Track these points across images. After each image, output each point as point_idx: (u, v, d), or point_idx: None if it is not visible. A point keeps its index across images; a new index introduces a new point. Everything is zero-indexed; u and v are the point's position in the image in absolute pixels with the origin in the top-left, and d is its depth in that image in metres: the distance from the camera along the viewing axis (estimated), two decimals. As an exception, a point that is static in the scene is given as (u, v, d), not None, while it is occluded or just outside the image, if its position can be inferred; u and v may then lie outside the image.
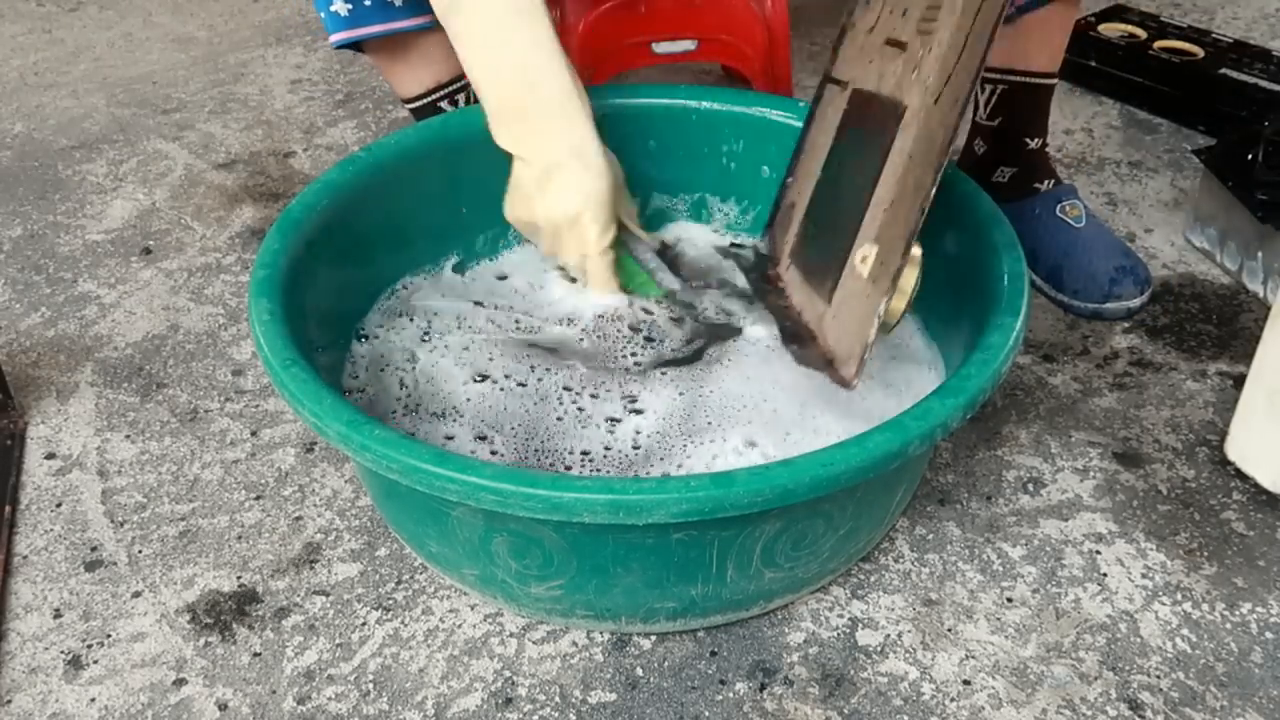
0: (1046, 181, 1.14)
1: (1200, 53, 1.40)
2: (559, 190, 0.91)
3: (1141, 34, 1.45)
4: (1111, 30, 1.47)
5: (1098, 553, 0.87)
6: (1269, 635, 0.81)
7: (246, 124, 1.49)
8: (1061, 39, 1.07)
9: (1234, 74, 1.35)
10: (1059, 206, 1.12)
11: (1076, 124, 1.42)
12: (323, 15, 1.04)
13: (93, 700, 0.79)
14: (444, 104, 1.11)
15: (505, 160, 1.03)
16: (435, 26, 1.07)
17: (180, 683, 0.80)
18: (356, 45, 1.08)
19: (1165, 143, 1.37)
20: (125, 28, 1.79)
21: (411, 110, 1.12)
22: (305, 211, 0.89)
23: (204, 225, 1.29)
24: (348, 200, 0.93)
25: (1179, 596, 0.84)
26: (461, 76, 1.12)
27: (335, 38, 1.05)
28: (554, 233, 0.93)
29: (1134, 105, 1.44)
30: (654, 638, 0.81)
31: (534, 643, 0.81)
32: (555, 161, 0.90)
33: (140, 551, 0.90)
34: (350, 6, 1.03)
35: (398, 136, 0.99)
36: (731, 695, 0.78)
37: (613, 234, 0.93)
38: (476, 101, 1.13)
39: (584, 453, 0.83)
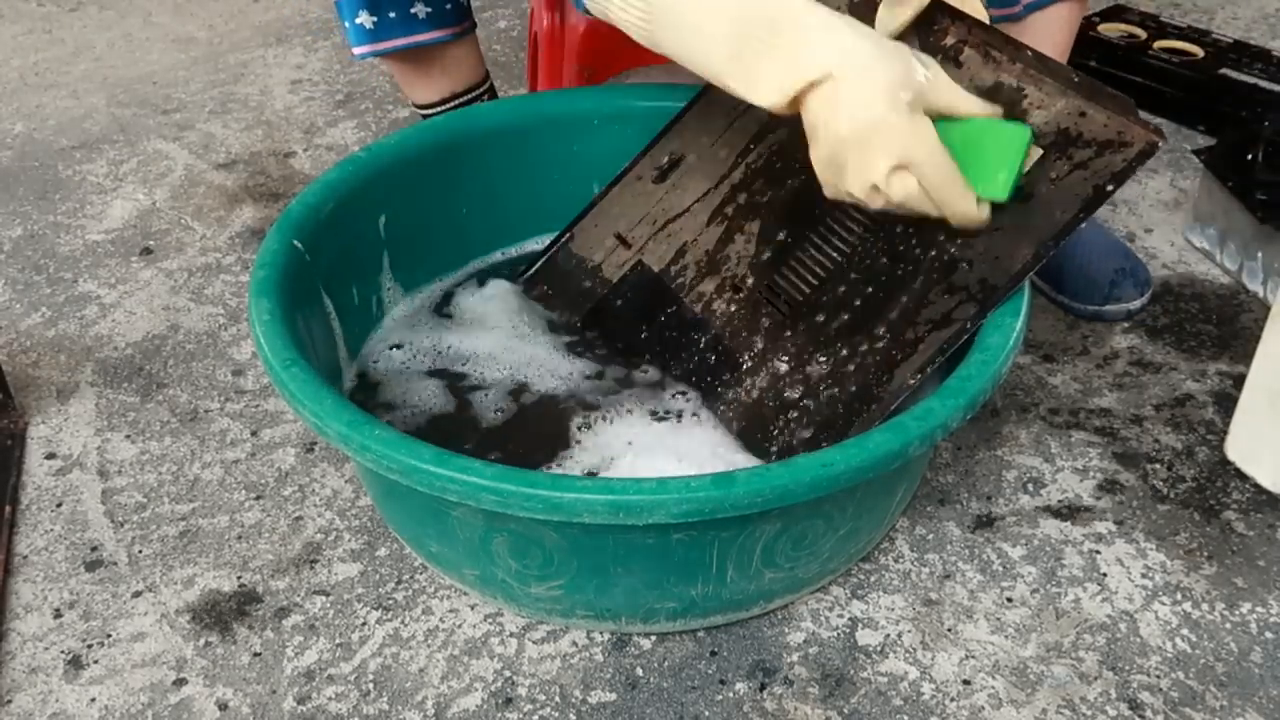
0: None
1: (1200, 53, 1.40)
2: (839, 106, 0.69)
3: (1141, 34, 1.45)
4: (1111, 30, 1.47)
5: (1098, 553, 0.87)
6: (1269, 635, 0.81)
7: (246, 124, 1.49)
8: (1068, 37, 1.07)
9: (1234, 74, 1.35)
10: (1059, 206, 1.12)
11: (1076, 124, 1.41)
12: (347, 26, 1.04)
13: (93, 700, 0.79)
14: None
15: (507, 160, 1.03)
16: (457, 39, 1.07)
17: (180, 683, 0.80)
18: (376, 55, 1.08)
19: (1165, 143, 1.37)
20: (125, 28, 1.79)
21: (424, 117, 1.12)
22: (304, 212, 0.89)
23: (204, 225, 1.29)
24: (348, 200, 0.93)
25: (1179, 596, 0.84)
26: (478, 85, 1.13)
27: (359, 50, 1.05)
28: (864, 162, 0.69)
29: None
30: (654, 638, 0.81)
31: (534, 643, 0.81)
32: (812, 78, 0.69)
33: (140, 551, 0.90)
34: (375, 19, 1.03)
35: (398, 136, 0.99)
36: (731, 695, 0.78)
37: (934, 132, 0.70)
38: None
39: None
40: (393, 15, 1.03)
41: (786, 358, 0.87)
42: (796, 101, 0.70)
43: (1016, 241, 0.78)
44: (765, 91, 0.70)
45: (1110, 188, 0.75)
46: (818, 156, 0.72)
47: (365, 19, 1.02)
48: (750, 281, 0.91)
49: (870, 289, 0.85)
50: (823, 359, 0.85)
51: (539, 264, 1.02)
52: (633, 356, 0.94)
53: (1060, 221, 0.76)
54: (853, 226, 0.87)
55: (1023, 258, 0.77)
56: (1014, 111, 0.78)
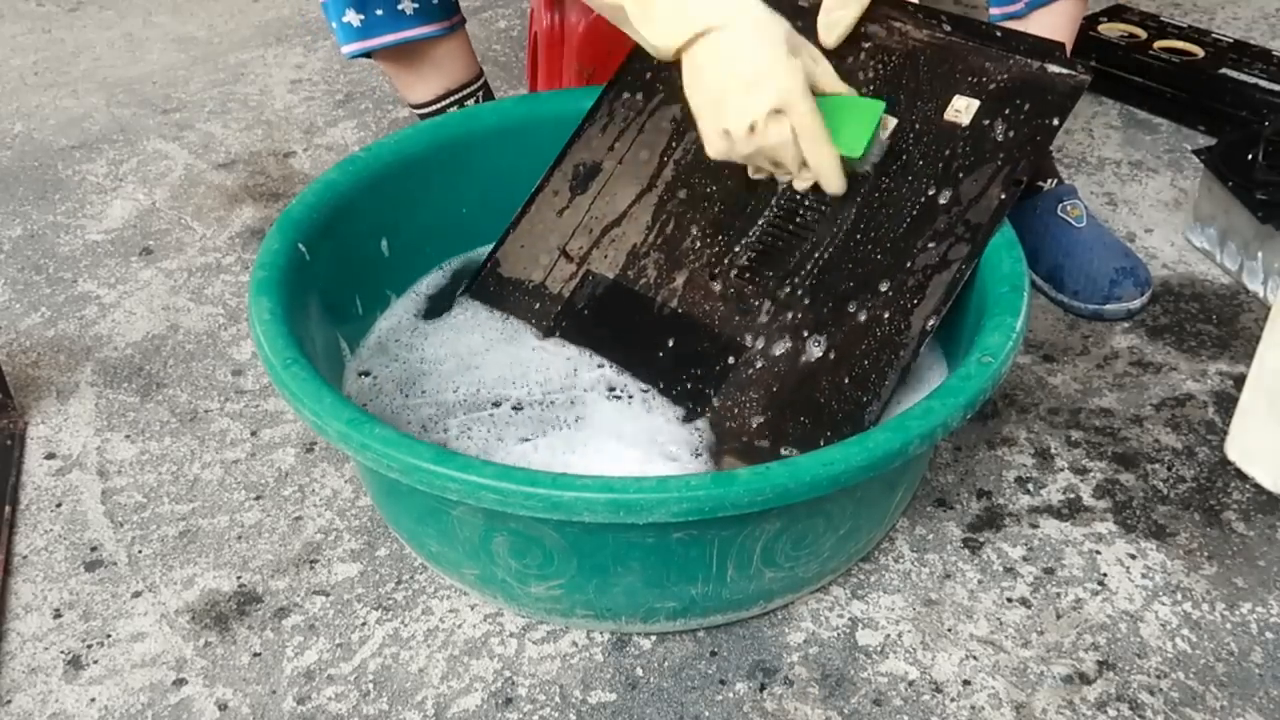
0: (1049, 181, 1.14)
1: (1200, 53, 1.40)
2: (731, 51, 0.76)
3: (1141, 34, 1.45)
4: (1111, 30, 1.47)
5: (1098, 553, 0.87)
6: (1269, 635, 0.81)
7: (246, 124, 1.49)
8: (1070, 33, 1.07)
9: (1234, 74, 1.35)
10: (1060, 206, 1.12)
11: (1076, 124, 1.42)
12: (334, 25, 1.04)
13: (93, 700, 0.79)
14: (453, 109, 1.11)
15: (507, 160, 1.03)
16: (447, 34, 1.07)
17: (180, 683, 0.80)
18: (366, 51, 1.08)
19: (1165, 143, 1.37)
20: (125, 28, 1.79)
21: (421, 117, 1.12)
22: (304, 212, 0.89)
23: (204, 225, 1.29)
24: (348, 200, 0.93)
25: (1179, 596, 0.84)
26: (471, 81, 1.13)
27: (348, 48, 1.05)
28: (742, 105, 0.76)
29: (1134, 105, 1.44)
30: (654, 638, 0.81)
31: (534, 643, 0.81)
32: (699, 28, 0.76)
33: (140, 551, 0.90)
34: (362, 17, 1.03)
35: (398, 136, 0.99)
36: (731, 695, 0.78)
37: (805, 80, 0.77)
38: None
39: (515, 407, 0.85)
40: (379, 12, 1.03)
41: (794, 325, 0.86)
42: (682, 49, 0.78)
43: (986, 185, 0.84)
44: (658, 36, 0.78)
45: (1055, 122, 0.84)
46: (701, 98, 0.78)
47: (352, 17, 1.03)
48: (727, 261, 0.90)
49: (855, 247, 0.86)
50: (832, 323, 0.84)
51: (467, 290, 1.00)
52: (614, 362, 0.93)
53: (1019, 161, 0.84)
54: (814, 193, 0.88)
55: (996, 196, 0.83)
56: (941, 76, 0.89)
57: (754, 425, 0.84)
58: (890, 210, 0.86)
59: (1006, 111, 0.86)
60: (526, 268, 0.98)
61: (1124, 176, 1.32)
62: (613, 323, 0.93)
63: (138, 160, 1.42)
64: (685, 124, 0.95)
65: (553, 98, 1.12)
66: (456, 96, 1.12)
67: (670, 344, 0.90)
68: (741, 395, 0.86)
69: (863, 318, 0.84)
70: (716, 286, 0.90)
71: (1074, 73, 0.85)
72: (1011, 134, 0.85)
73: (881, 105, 0.84)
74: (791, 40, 0.79)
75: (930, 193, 0.85)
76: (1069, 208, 1.12)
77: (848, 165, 0.83)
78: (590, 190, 0.98)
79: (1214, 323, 1.10)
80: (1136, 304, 1.09)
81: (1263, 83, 1.33)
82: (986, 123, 0.86)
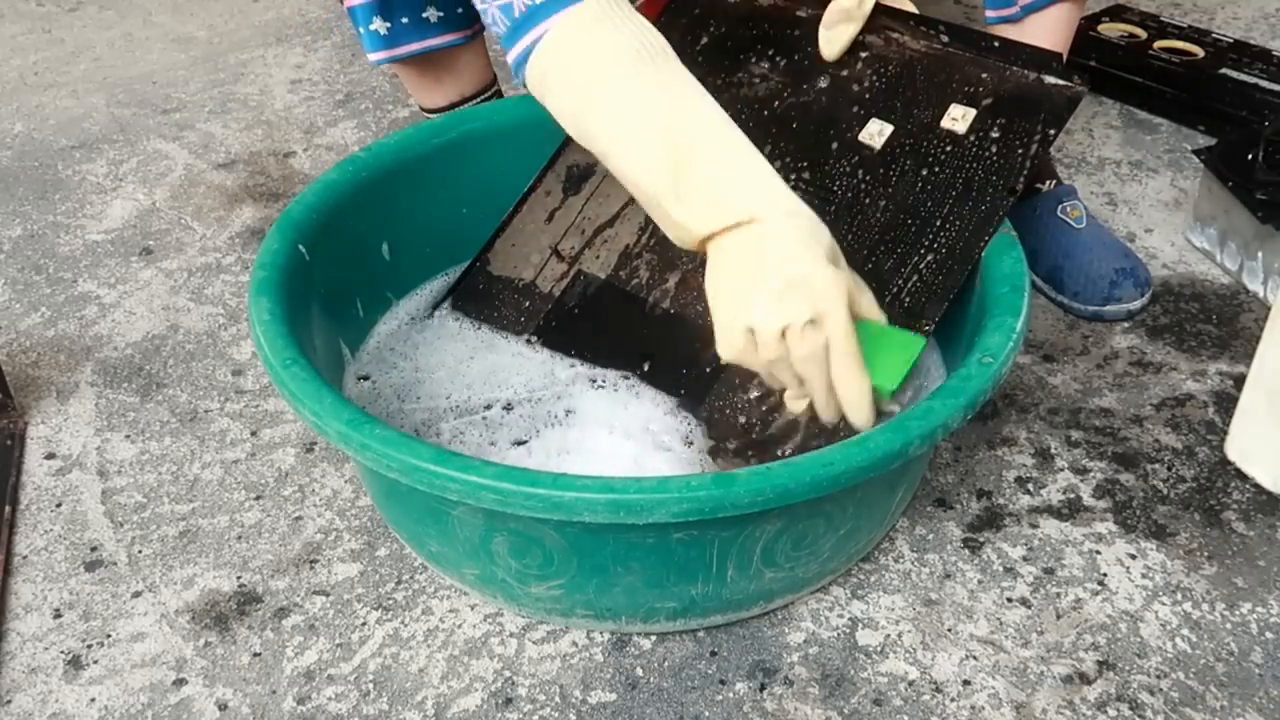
0: (1048, 182, 1.14)
1: (1200, 53, 1.40)
2: (766, 247, 0.67)
3: (1141, 34, 1.45)
4: (1111, 30, 1.47)
5: (1098, 553, 0.87)
6: (1269, 635, 0.81)
7: (246, 124, 1.49)
8: (1066, 37, 1.07)
9: (1234, 74, 1.35)
10: (1060, 207, 1.12)
11: (1076, 124, 1.42)
12: (361, 32, 1.05)
13: (93, 700, 0.79)
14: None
15: (507, 160, 1.03)
16: (468, 41, 1.08)
17: (180, 683, 0.80)
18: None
19: (1165, 143, 1.37)
20: (125, 28, 1.79)
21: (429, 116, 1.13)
22: (304, 212, 0.89)
23: (204, 225, 1.29)
24: (348, 200, 0.93)
25: (1179, 596, 0.84)
26: (486, 88, 1.14)
27: (374, 57, 1.06)
28: (778, 305, 0.67)
29: (1134, 105, 1.44)
30: (654, 638, 0.81)
31: (534, 643, 0.81)
32: (739, 217, 0.68)
33: (140, 551, 0.90)
34: (389, 25, 1.03)
35: (398, 136, 0.99)
36: (731, 695, 0.78)
37: (851, 325, 0.69)
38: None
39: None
40: (405, 20, 1.03)
41: None
42: (712, 238, 0.69)
43: (981, 193, 0.85)
44: (691, 218, 0.69)
45: (1052, 132, 0.85)
46: (728, 292, 0.69)
47: (379, 25, 1.03)
48: None
49: (850, 253, 0.80)
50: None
51: (455, 291, 1.00)
52: (606, 363, 0.92)
53: (1015, 170, 0.85)
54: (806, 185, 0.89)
55: (992, 205, 0.85)
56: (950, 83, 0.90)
57: (744, 424, 0.84)
58: (885, 217, 0.86)
59: (1003, 121, 0.87)
60: (517, 266, 0.98)
61: (1124, 176, 1.32)
62: (603, 323, 0.93)
63: (138, 160, 1.42)
64: None
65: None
66: (471, 104, 1.12)
67: (662, 344, 0.90)
68: (734, 396, 0.86)
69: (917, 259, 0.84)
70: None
71: (1070, 84, 0.86)
72: (1008, 143, 0.86)
73: (923, 343, 0.75)
74: (833, 251, 0.70)
75: (926, 201, 0.86)
76: (1069, 208, 1.12)
77: (876, 400, 0.73)
78: (583, 191, 0.98)
79: (1214, 323, 1.10)
80: (1136, 304, 1.09)
81: (1263, 83, 1.33)
82: (982, 132, 0.87)
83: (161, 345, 1.11)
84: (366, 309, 0.97)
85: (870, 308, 0.73)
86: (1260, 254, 1.10)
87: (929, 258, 0.84)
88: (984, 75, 0.88)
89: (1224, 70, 1.36)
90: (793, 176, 0.90)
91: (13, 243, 1.27)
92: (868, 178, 0.88)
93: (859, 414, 0.71)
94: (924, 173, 0.87)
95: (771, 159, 0.82)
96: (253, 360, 1.08)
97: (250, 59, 1.67)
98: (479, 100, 1.13)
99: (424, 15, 1.04)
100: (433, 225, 1.01)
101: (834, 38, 0.91)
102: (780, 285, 0.67)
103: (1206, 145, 1.20)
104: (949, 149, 0.87)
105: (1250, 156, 1.11)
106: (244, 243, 1.26)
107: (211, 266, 1.22)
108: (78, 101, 1.57)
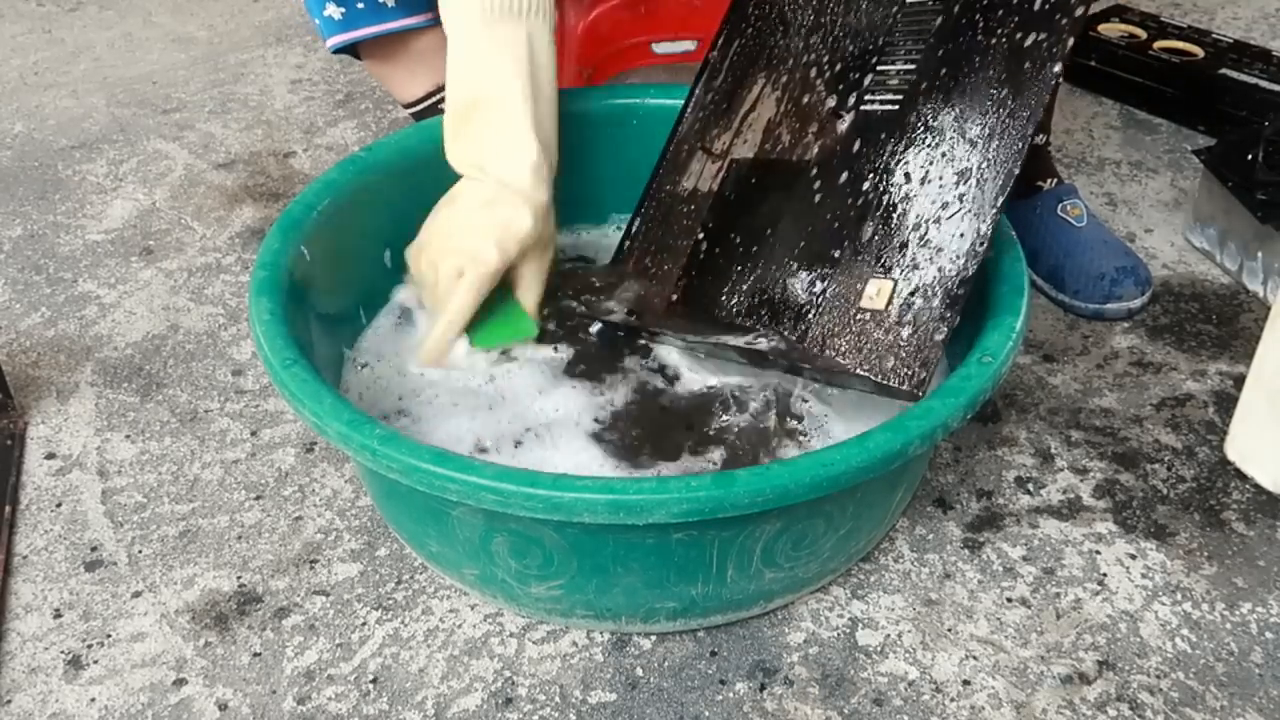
0: (1049, 180, 1.14)
1: (1200, 53, 1.40)
2: (458, 197, 0.85)
3: (1141, 34, 1.45)
4: (1111, 30, 1.47)
5: (1098, 553, 0.87)
6: (1269, 635, 0.81)
7: (246, 124, 1.49)
8: None
9: (1234, 74, 1.35)
10: (1060, 206, 1.12)
11: (1076, 124, 1.42)
12: (317, 21, 1.04)
13: (93, 700, 0.79)
14: (445, 106, 1.11)
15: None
16: (430, 26, 1.07)
17: (180, 683, 0.80)
18: (352, 52, 1.08)
19: (1165, 143, 1.37)
20: (125, 28, 1.79)
21: (413, 115, 1.12)
22: (305, 211, 0.89)
23: (204, 225, 1.29)
24: (348, 200, 0.93)
25: (1179, 596, 0.84)
26: None
27: (331, 41, 1.05)
28: (438, 249, 0.86)
29: (1134, 105, 1.44)
30: (654, 638, 0.81)
31: (534, 643, 0.81)
32: (474, 172, 0.85)
33: (140, 551, 0.90)
34: (343, 10, 1.03)
35: (398, 136, 0.99)
36: (731, 695, 0.78)
37: (502, 269, 0.84)
38: None
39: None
40: (360, 5, 1.03)
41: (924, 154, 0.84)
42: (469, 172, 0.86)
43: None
44: (451, 158, 0.87)
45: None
46: (444, 212, 0.87)
47: (333, 10, 1.03)
48: (851, 101, 0.89)
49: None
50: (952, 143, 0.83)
51: (634, 226, 1.01)
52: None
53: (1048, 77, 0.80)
54: (913, 44, 0.87)
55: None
56: None
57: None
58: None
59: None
60: (679, 176, 0.99)
61: (1124, 176, 1.32)
62: (756, 204, 0.93)
63: (138, 160, 1.42)
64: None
65: (553, 98, 1.12)
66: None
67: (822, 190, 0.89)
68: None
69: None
70: (843, 125, 0.89)
71: None
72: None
73: (531, 333, 0.89)
74: (509, 228, 0.84)
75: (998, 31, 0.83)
76: (1069, 207, 1.12)
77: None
78: (722, 87, 0.99)
79: (1214, 323, 1.10)
80: (1137, 304, 1.09)
81: (1263, 83, 1.33)
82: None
83: (161, 345, 1.11)
84: (367, 309, 0.97)
85: (526, 289, 0.88)
86: (1260, 254, 1.10)
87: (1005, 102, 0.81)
88: None
89: (1224, 70, 1.36)
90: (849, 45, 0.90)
91: (13, 243, 1.27)
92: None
93: (430, 343, 0.87)
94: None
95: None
96: (253, 360, 1.08)
97: (250, 59, 1.67)
98: None
99: (380, 0, 1.03)
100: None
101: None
102: (441, 241, 0.86)
103: (1206, 145, 1.20)
104: None
105: (1250, 156, 1.11)
106: (244, 243, 1.26)
107: (211, 266, 1.22)
108: (78, 101, 1.57)
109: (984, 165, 0.80)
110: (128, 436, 1.00)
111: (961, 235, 0.79)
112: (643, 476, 0.68)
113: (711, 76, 1.00)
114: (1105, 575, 0.85)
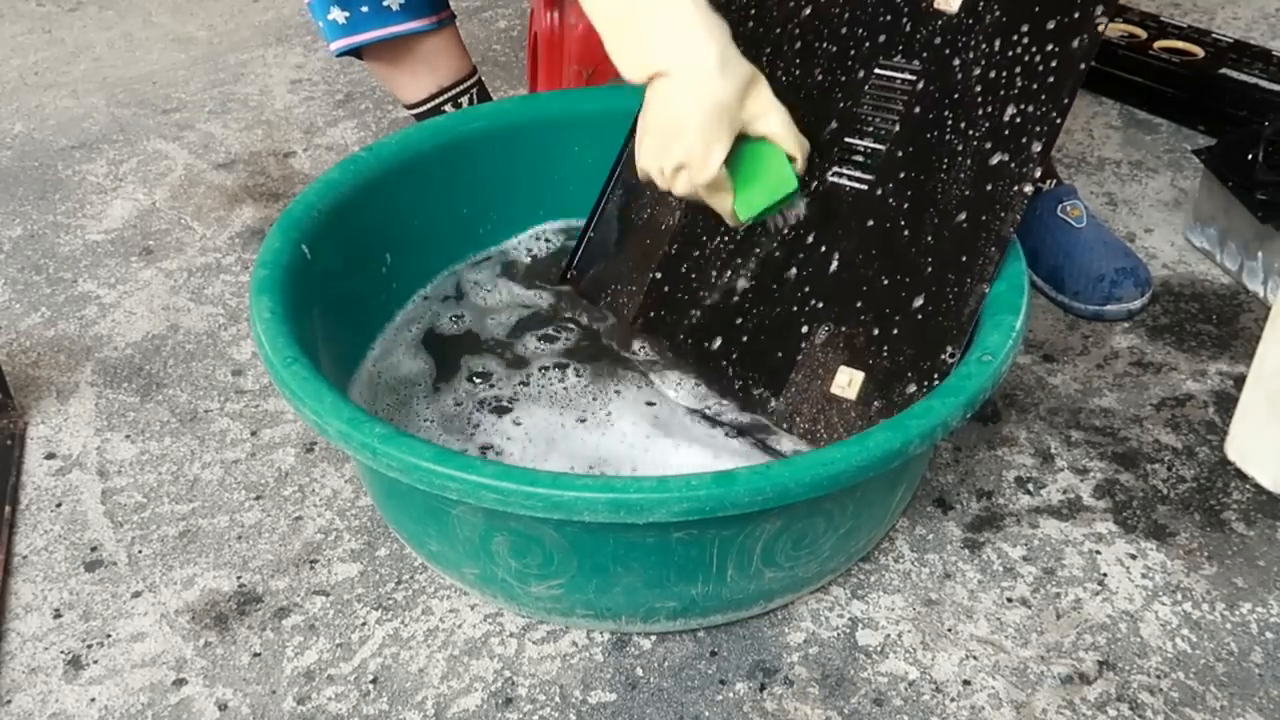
0: (1048, 181, 1.14)
1: (1200, 53, 1.40)
2: (665, 100, 0.79)
3: (1141, 34, 1.45)
4: (1111, 30, 1.47)
5: (1098, 553, 0.87)
6: (1269, 635, 0.81)
7: (246, 124, 1.49)
8: None
9: (1234, 74, 1.35)
10: (1060, 207, 1.12)
11: (1076, 124, 1.42)
12: (320, 24, 1.04)
13: (93, 700, 0.79)
14: (448, 108, 1.11)
15: (507, 160, 1.03)
16: (434, 29, 1.07)
17: (180, 683, 0.80)
18: (356, 53, 1.08)
19: (1165, 143, 1.37)
20: (125, 28, 1.79)
21: (416, 116, 1.12)
22: (305, 211, 0.89)
23: (204, 225, 1.29)
24: (348, 200, 0.93)
25: (1179, 596, 0.84)
26: (465, 79, 1.12)
27: (334, 45, 1.05)
28: (659, 150, 0.81)
29: (1134, 105, 1.44)
30: (654, 638, 0.81)
31: (534, 643, 0.81)
32: (656, 70, 0.79)
33: (140, 551, 0.90)
34: (347, 14, 1.03)
35: (398, 136, 0.99)
36: (731, 695, 0.78)
37: (723, 151, 0.80)
38: (479, 102, 1.14)
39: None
40: (364, 9, 1.03)
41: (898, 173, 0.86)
42: (646, 83, 0.80)
43: (1085, 5, 0.81)
44: (625, 67, 0.80)
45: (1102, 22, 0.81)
46: (642, 126, 0.82)
47: (337, 14, 1.03)
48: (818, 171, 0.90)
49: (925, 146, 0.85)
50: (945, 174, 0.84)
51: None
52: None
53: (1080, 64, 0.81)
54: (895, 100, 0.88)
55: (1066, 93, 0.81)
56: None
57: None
58: (975, 66, 0.84)
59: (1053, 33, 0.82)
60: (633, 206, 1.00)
61: (1124, 176, 1.32)
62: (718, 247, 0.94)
63: (138, 160, 1.42)
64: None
65: (553, 98, 1.12)
66: (450, 94, 1.11)
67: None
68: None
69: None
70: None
71: None
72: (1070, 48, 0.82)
73: (794, 189, 0.83)
74: (729, 99, 0.79)
75: (1017, 43, 0.83)
76: (1069, 208, 1.12)
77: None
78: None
79: (1214, 323, 1.10)
80: (1137, 304, 1.09)
81: (1263, 83, 1.33)
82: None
83: (161, 345, 1.11)
84: (367, 308, 0.97)
85: (778, 129, 0.82)
86: (1260, 254, 1.10)
87: (1033, 87, 0.82)
88: None
89: (1224, 70, 1.36)
90: (878, 58, 0.89)
91: (13, 243, 1.27)
92: (952, 41, 0.85)
93: (729, 221, 0.85)
94: (1008, 20, 0.84)
95: (849, 48, 0.90)
96: (253, 360, 1.08)
97: (250, 59, 1.67)
98: (459, 91, 1.12)
99: (384, 3, 1.03)
100: (433, 225, 1.01)
101: None
102: (661, 133, 0.80)
103: (1206, 145, 1.20)
104: None
105: (1250, 156, 1.11)
106: (244, 243, 1.26)
107: (211, 266, 1.22)
108: (78, 101, 1.57)
109: (946, 284, 0.82)
110: (128, 436, 1.00)
111: (926, 340, 0.81)
112: (643, 476, 0.68)
113: None
114: (1105, 575, 0.85)
